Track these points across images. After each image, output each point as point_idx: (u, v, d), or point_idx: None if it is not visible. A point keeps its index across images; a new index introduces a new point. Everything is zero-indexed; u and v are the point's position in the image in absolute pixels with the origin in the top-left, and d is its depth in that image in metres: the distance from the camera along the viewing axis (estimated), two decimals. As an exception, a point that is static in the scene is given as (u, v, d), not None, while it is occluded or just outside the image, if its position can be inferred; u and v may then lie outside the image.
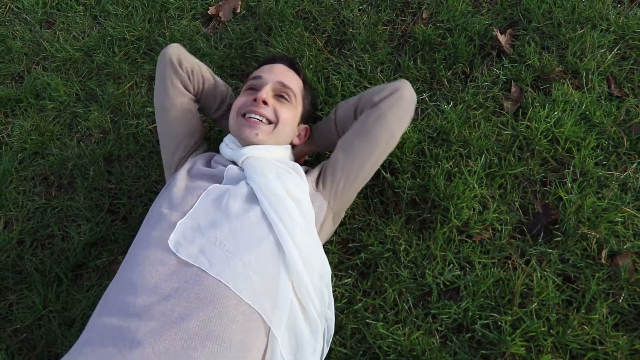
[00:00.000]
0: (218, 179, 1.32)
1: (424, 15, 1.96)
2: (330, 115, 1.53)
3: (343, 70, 1.84)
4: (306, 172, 1.43)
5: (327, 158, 1.52)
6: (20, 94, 2.04)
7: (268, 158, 1.37)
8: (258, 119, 1.39)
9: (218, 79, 1.56)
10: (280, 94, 1.44)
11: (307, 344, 1.20)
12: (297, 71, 1.54)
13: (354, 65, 1.87)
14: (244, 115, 1.41)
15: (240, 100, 1.44)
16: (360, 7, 2.02)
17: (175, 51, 1.45)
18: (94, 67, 2.08)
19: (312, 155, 1.69)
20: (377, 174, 1.61)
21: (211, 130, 1.82)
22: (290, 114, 1.44)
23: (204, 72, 1.50)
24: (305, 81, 1.57)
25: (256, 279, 1.13)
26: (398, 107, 1.38)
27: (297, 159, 1.57)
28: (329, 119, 1.51)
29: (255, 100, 1.38)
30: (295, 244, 1.20)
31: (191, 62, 1.48)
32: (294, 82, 1.49)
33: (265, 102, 1.39)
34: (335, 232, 1.55)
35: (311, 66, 1.87)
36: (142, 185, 1.76)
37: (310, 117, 1.60)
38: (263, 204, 1.23)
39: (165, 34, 2.09)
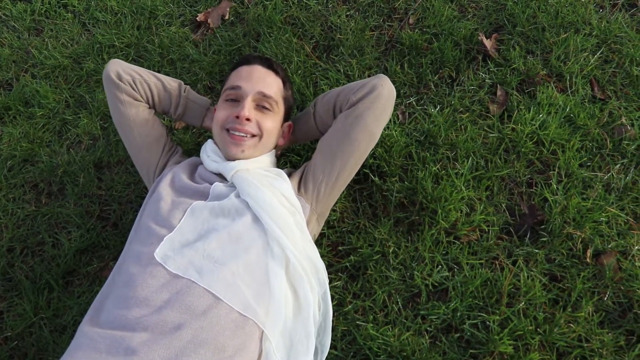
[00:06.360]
0: (203, 196, 1.32)
1: (411, 21, 1.98)
2: (309, 109, 1.52)
3: (331, 75, 1.86)
4: (289, 174, 1.44)
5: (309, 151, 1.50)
6: (9, 101, 2.04)
7: (255, 167, 1.38)
8: (242, 135, 1.38)
9: (165, 77, 1.52)
10: (262, 105, 1.41)
11: (300, 344, 1.21)
12: (275, 71, 1.47)
13: (342, 70, 1.88)
14: (227, 130, 1.39)
15: (222, 114, 1.41)
16: (348, 13, 2.04)
17: (113, 67, 1.44)
18: (83, 74, 2.08)
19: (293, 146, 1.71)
20: (366, 177, 1.64)
21: (187, 133, 1.84)
22: (274, 123, 1.43)
23: (146, 78, 1.47)
24: (284, 79, 1.50)
25: (246, 287, 1.16)
26: (376, 106, 1.36)
27: (278, 152, 1.57)
28: (309, 113, 1.51)
29: (237, 117, 1.36)
30: (298, 252, 1.24)
31: (130, 72, 1.45)
32: (274, 87, 1.44)
33: (247, 119, 1.37)
34: (325, 235, 1.57)
35: (299, 71, 1.89)
36: (133, 192, 1.77)
37: (292, 111, 1.58)
38: (262, 218, 1.24)
39: (154, 40, 2.10)
